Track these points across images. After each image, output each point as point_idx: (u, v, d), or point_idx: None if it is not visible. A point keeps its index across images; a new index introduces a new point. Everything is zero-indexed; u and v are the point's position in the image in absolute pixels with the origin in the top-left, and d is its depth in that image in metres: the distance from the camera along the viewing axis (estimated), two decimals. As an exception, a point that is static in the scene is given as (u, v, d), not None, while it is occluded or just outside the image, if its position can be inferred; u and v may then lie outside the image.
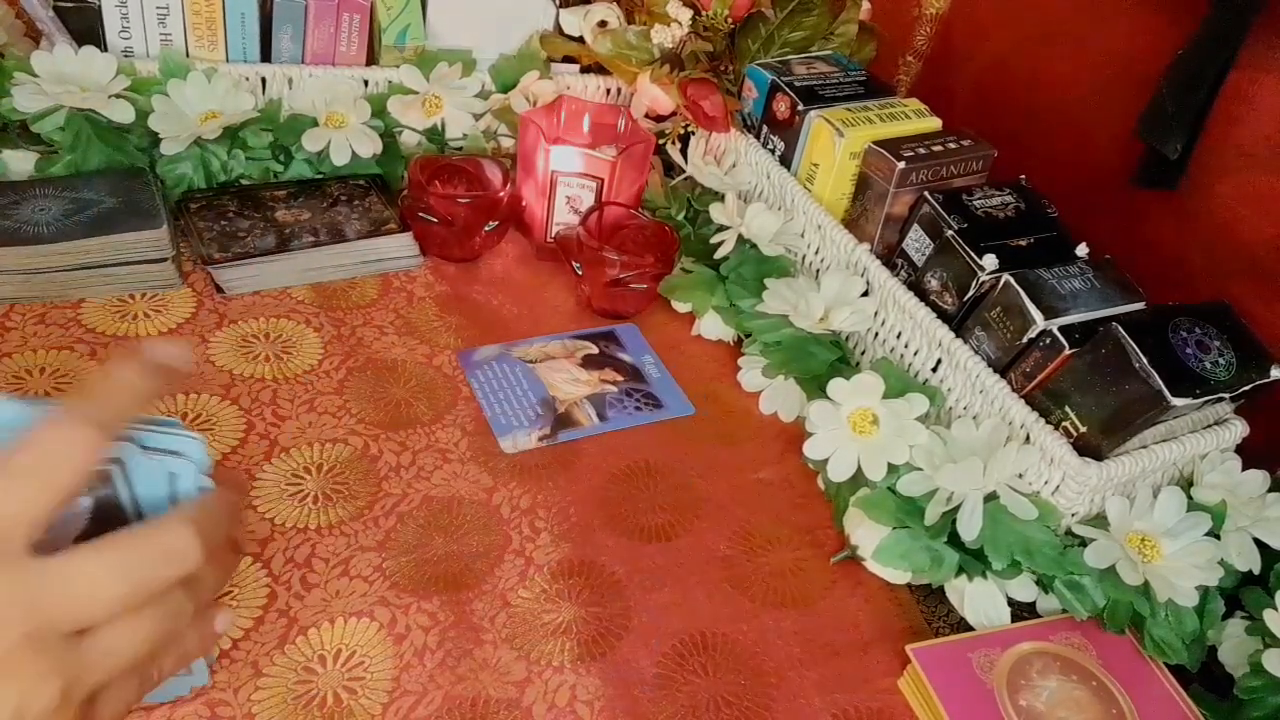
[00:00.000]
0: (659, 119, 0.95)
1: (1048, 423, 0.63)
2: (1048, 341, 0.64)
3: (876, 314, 0.74)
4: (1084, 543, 0.61)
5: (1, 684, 0.33)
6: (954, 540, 0.62)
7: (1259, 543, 0.63)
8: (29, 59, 0.78)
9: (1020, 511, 0.61)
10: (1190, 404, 0.59)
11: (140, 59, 0.84)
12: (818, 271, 0.80)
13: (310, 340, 0.74)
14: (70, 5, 0.82)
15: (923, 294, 0.72)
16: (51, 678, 0.34)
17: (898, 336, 0.73)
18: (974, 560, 0.62)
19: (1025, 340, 0.65)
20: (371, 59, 0.92)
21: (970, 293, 0.68)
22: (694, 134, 0.93)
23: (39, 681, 0.34)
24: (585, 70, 1.00)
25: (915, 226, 0.73)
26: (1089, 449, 0.61)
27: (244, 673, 0.52)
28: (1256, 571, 0.62)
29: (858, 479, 0.66)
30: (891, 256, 0.75)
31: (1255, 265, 0.73)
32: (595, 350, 0.79)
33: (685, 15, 0.87)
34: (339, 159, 0.84)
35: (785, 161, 0.84)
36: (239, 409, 0.67)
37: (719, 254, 0.82)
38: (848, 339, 0.78)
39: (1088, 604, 0.61)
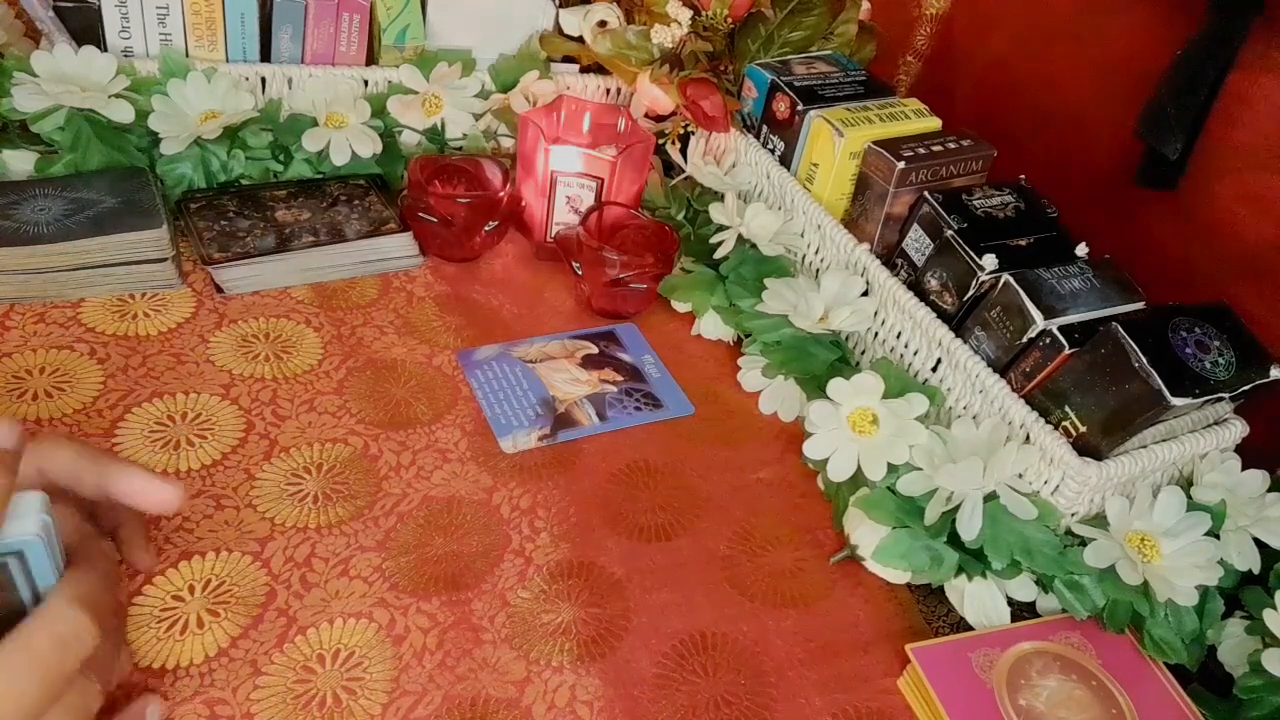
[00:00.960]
0: (659, 119, 0.95)
1: (1047, 422, 0.63)
2: (1047, 341, 0.64)
3: (876, 314, 0.74)
4: (1084, 542, 0.61)
5: None
6: (954, 540, 0.62)
7: (1259, 542, 0.63)
8: (29, 59, 0.78)
9: (1020, 511, 0.61)
10: (1190, 404, 0.59)
11: (140, 59, 0.84)
12: (818, 271, 0.80)
13: (310, 340, 0.74)
14: (70, 5, 0.82)
15: (923, 294, 0.72)
16: None
17: (897, 336, 0.73)
18: (974, 560, 0.62)
19: (1025, 340, 0.65)
20: (371, 59, 0.92)
21: (970, 293, 0.68)
22: (694, 134, 0.93)
23: None
24: (585, 70, 1.00)
25: (915, 226, 0.73)
26: (1089, 449, 0.61)
27: (243, 671, 0.52)
28: (1256, 571, 0.62)
29: (858, 479, 0.66)
30: (891, 256, 0.75)
31: (1255, 265, 0.73)
32: (595, 350, 0.79)
33: (685, 15, 0.87)
34: (339, 159, 0.84)
35: (785, 161, 0.84)
36: (239, 409, 0.67)
37: (719, 254, 0.82)
38: (848, 339, 0.78)
39: (1087, 604, 0.61)
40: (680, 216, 0.90)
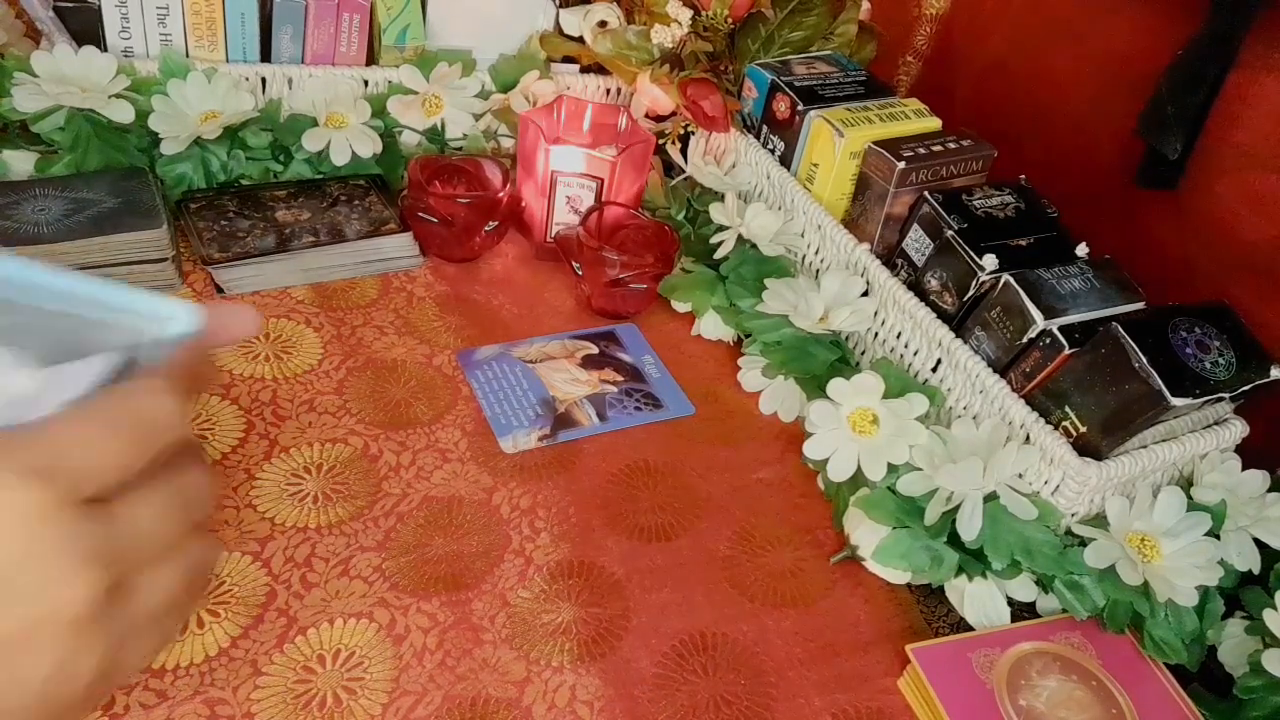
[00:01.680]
0: (659, 119, 0.95)
1: (1048, 423, 0.63)
2: (1047, 341, 0.64)
3: (876, 314, 0.74)
4: (1084, 543, 0.61)
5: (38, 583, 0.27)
6: (954, 540, 0.62)
7: (1259, 543, 0.63)
8: (29, 59, 0.78)
9: (1020, 511, 0.61)
10: (1190, 404, 0.59)
11: (140, 59, 0.84)
12: (818, 271, 0.80)
13: (310, 340, 0.74)
14: (70, 5, 0.82)
15: (923, 294, 0.72)
16: (87, 558, 0.28)
17: (898, 336, 0.73)
18: (974, 560, 0.62)
19: (1025, 340, 0.65)
20: (371, 59, 0.92)
21: (970, 293, 0.68)
22: (694, 134, 0.93)
23: (78, 566, 0.27)
24: (585, 70, 1.00)
25: (915, 226, 0.73)
26: (1089, 449, 0.61)
27: (243, 671, 0.52)
28: (1256, 571, 0.62)
29: (858, 479, 0.66)
30: (891, 256, 0.75)
31: (1255, 265, 0.73)
32: (595, 350, 0.79)
33: (685, 15, 0.87)
34: (339, 159, 0.84)
35: (785, 161, 0.84)
36: (239, 409, 0.67)
37: (719, 254, 0.82)
38: (848, 339, 0.78)
39: (1088, 604, 0.61)
40: (680, 216, 0.90)
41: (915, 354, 0.72)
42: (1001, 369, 0.66)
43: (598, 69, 0.99)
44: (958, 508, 0.62)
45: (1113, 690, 0.57)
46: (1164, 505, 0.62)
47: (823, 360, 0.75)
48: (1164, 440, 0.63)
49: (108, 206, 0.75)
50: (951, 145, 0.77)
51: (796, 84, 0.83)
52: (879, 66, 0.93)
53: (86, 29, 0.82)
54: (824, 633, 0.61)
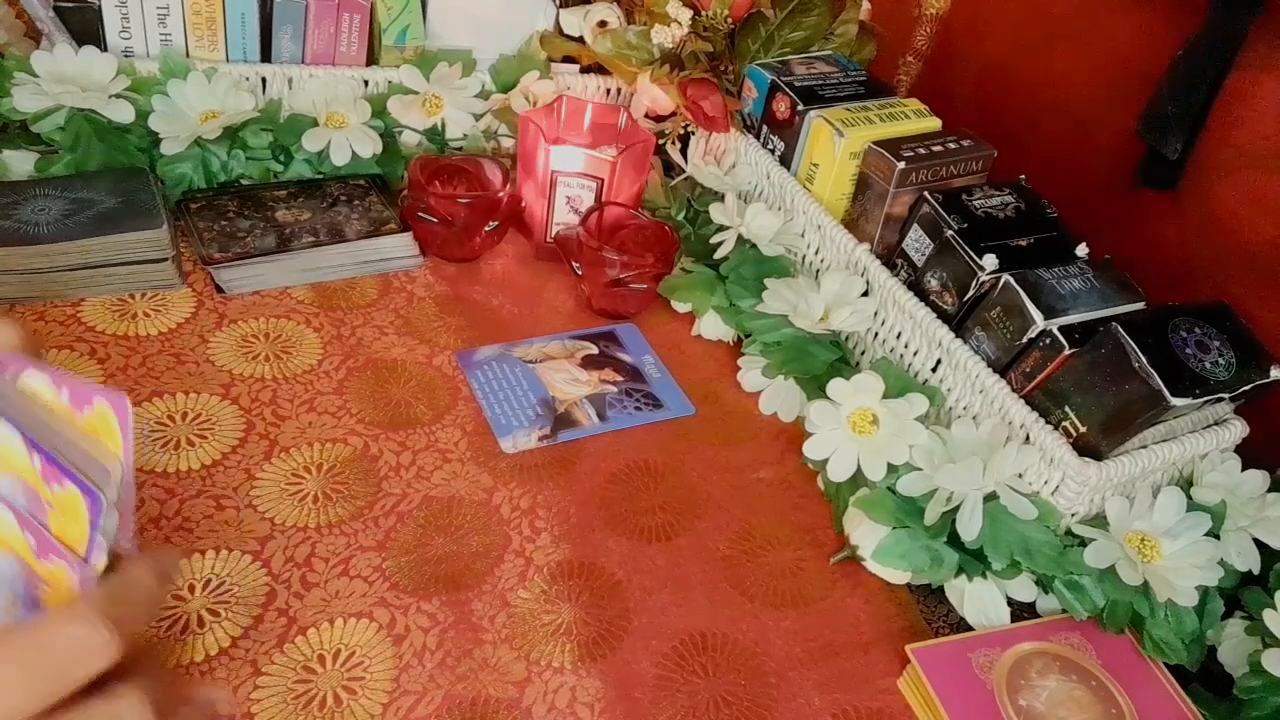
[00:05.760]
0: (659, 119, 0.95)
1: (1047, 423, 0.63)
2: (1047, 341, 0.64)
3: (876, 314, 0.74)
4: (1084, 543, 0.61)
5: None
6: (954, 540, 0.62)
7: (1259, 543, 0.63)
8: (29, 59, 0.78)
9: (1020, 511, 0.61)
10: (1190, 404, 0.59)
11: (140, 59, 0.84)
12: (818, 271, 0.80)
13: (310, 340, 0.74)
14: (70, 5, 0.82)
15: (923, 294, 0.72)
16: None
17: (897, 336, 0.73)
18: (974, 560, 0.62)
19: (1025, 340, 0.65)
20: (371, 59, 0.92)
21: (970, 293, 0.68)
22: (694, 134, 0.93)
23: None
24: (585, 70, 1.00)
25: (915, 226, 0.73)
26: (1089, 449, 0.61)
27: (243, 671, 0.52)
28: (1256, 571, 0.62)
29: (857, 479, 0.66)
30: (891, 256, 0.75)
31: (1255, 265, 0.73)
32: (595, 350, 0.79)
33: (685, 15, 0.87)
34: (339, 159, 0.84)
35: (785, 161, 0.84)
36: (239, 409, 0.67)
37: (719, 254, 0.82)
38: (848, 339, 0.78)
39: (1087, 604, 0.61)
40: (680, 216, 0.90)
41: (915, 354, 0.72)
42: (1001, 369, 0.66)
43: (598, 69, 0.99)
44: (958, 508, 0.62)
45: (1112, 690, 0.57)
46: (1164, 505, 0.62)
47: (823, 360, 0.75)
48: (1164, 440, 0.63)
49: (108, 206, 0.75)
50: (951, 145, 0.77)
51: (796, 84, 0.83)
52: (879, 66, 0.93)
53: (86, 29, 0.82)
54: (824, 633, 0.61)
